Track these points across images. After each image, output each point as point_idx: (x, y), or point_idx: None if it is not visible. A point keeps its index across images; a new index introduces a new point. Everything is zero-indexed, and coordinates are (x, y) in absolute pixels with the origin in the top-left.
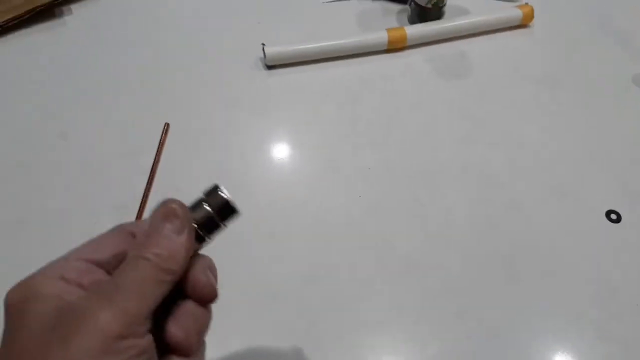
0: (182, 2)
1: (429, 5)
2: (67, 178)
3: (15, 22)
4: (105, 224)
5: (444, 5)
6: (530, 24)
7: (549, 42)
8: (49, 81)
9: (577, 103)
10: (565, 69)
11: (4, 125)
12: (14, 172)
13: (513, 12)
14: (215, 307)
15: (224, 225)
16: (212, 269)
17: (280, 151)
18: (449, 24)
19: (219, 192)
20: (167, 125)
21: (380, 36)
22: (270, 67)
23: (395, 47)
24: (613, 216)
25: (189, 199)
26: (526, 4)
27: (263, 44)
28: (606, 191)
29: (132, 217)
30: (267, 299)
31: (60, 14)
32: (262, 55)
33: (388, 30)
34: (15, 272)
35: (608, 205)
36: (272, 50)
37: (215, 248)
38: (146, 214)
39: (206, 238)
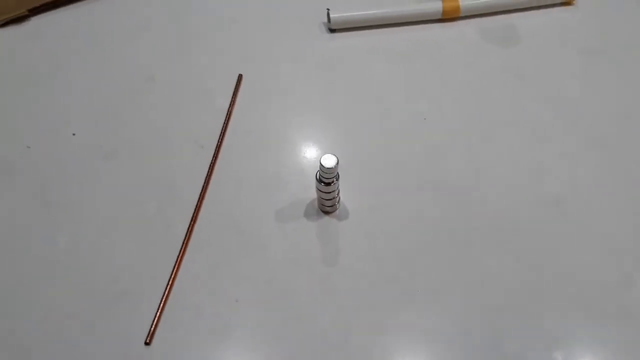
0: None
1: None
2: (154, 116)
3: None
4: (187, 157)
5: None
6: (574, 2)
7: (593, 17)
8: (141, 34)
9: (616, 70)
10: (608, 42)
11: (108, 69)
12: (109, 111)
13: None
14: None
15: None
16: None
17: (341, 103)
18: None
19: None
20: (240, 76)
21: (435, 6)
22: (332, 31)
23: (449, 16)
24: None
25: (259, 140)
26: None
27: (328, 9)
28: None
29: (210, 153)
30: None
31: None
32: (325, 20)
33: (443, 0)
34: (109, 197)
35: None
36: (336, 15)
37: None
38: (222, 151)
39: None
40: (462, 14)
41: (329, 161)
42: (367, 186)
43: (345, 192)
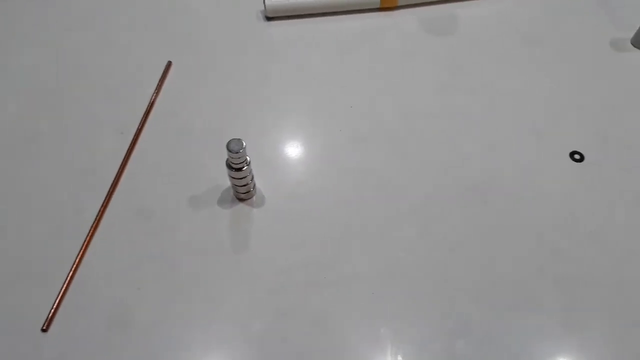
0: None
1: None
2: (79, 102)
3: None
4: (107, 143)
5: None
6: None
7: (535, 7)
8: (71, 25)
9: (555, 60)
10: (548, 31)
11: (43, 57)
12: (35, 95)
13: None
14: None
15: None
16: None
17: (274, 92)
18: None
19: None
20: (169, 63)
21: None
22: (269, 19)
23: (387, 5)
24: (577, 156)
25: (181, 127)
26: None
27: None
28: (573, 135)
29: (130, 139)
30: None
31: None
32: (262, 7)
33: None
34: (24, 178)
35: (573, 147)
36: (272, 2)
37: None
38: (142, 138)
39: None
40: (400, 4)
41: (235, 145)
42: (288, 174)
43: (265, 180)
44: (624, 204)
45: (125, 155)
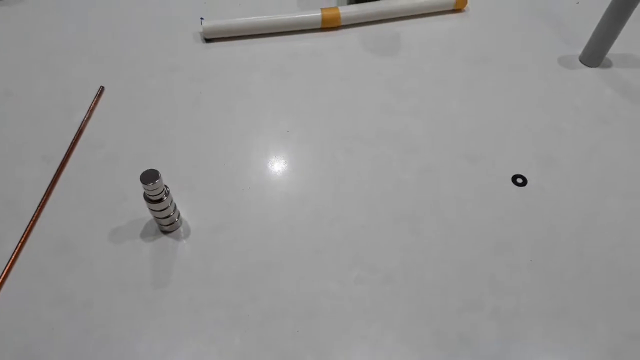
0: None
1: None
2: (5, 129)
3: None
4: (32, 171)
5: None
6: (465, 8)
7: (481, 25)
8: (3, 50)
9: (502, 81)
10: (495, 50)
11: None
12: None
13: None
14: None
15: None
16: None
17: (208, 116)
18: (383, 5)
19: None
20: (101, 87)
21: (314, 14)
22: (208, 40)
23: (329, 25)
24: (519, 180)
25: (110, 154)
26: None
27: (201, 18)
28: (515, 159)
29: (55, 167)
30: None
31: None
32: (200, 29)
33: (322, 9)
34: None
35: (515, 171)
36: (209, 24)
37: None
38: (69, 166)
39: None
40: (342, 23)
41: (148, 177)
42: (217, 204)
43: (192, 211)
44: (568, 228)
45: (50, 184)
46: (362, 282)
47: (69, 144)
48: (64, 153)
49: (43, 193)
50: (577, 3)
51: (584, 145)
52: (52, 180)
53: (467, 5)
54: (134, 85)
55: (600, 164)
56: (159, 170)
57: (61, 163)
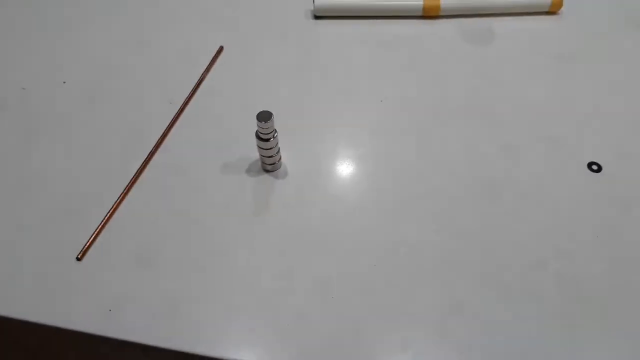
0: None
1: None
2: (138, 73)
3: None
4: (157, 109)
5: None
6: (559, 11)
7: (574, 28)
8: (141, 6)
9: (589, 77)
10: (585, 54)
11: (109, 33)
12: (101, 64)
13: None
14: None
15: None
16: None
17: (311, 81)
18: (481, 1)
19: None
20: (221, 47)
21: (417, 2)
22: (317, 17)
23: (429, 14)
24: (594, 167)
25: (225, 103)
26: None
27: None
28: (595, 147)
29: (177, 108)
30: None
31: None
32: (312, 7)
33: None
34: (87, 132)
35: (592, 158)
36: (320, 1)
37: None
38: (188, 109)
39: None
40: (442, 13)
41: (264, 116)
42: (313, 154)
43: (292, 156)
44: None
45: (172, 121)
46: (428, 240)
47: (191, 90)
48: (186, 96)
49: (165, 126)
50: None
51: None
52: (174, 117)
53: (562, 8)
54: (249, 48)
55: None
56: None
57: (183, 103)
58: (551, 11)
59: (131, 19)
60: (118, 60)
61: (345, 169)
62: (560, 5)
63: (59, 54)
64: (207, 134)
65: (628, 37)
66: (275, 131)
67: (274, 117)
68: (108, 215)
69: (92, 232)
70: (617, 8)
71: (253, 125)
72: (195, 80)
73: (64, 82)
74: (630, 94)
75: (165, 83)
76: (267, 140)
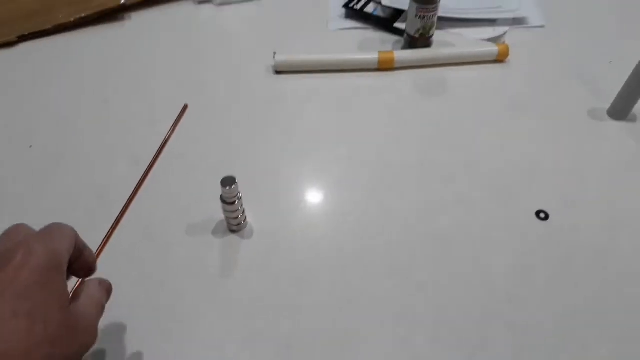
0: (219, 23)
1: (417, 35)
2: (103, 133)
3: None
4: (122, 170)
5: (431, 35)
6: (506, 60)
7: (520, 76)
8: (105, 67)
9: (534, 127)
10: (530, 99)
11: (74, 93)
12: (66, 125)
13: (490, 48)
14: None
15: None
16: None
17: (280, 140)
18: (433, 53)
19: None
20: (185, 105)
21: (372, 56)
22: (278, 73)
23: (384, 67)
24: (542, 215)
25: (191, 162)
26: (504, 43)
27: (274, 52)
28: (540, 195)
29: (143, 169)
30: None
31: (122, 19)
32: (273, 62)
33: (379, 52)
34: (51, 194)
35: (539, 207)
36: (280, 57)
37: None
38: (154, 169)
39: None
40: (396, 66)
41: (228, 181)
42: (277, 212)
43: (257, 216)
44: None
45: (138, 183)
46: (390, 291)
47: (156, 150)
48: (152, 157)
49: (132, 189)
50: (610, 62)
51: (605, 190)
52: (140, 180)
53: (509, 57)
54: (213, 105)
55: (618, 208)
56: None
57: (149, 164)
58: (499, 60)
59: (95, 79)
60: (83, 121)
61: (308, 225)
62: (506, 54)
63: (24, 116)
64: (173, 195)
65: (569, 84)
66: (240, 193)
67: (238, 180)
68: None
69: None
70: (560, 54)
71: (218, 185)
72: (161, 140)
73: (30, 146)
74: (574, 144)
75: (131, 144)
76: (232, 203)
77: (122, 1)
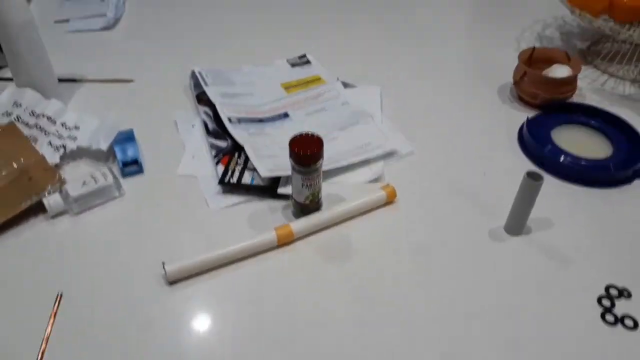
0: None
1: (307, 202)
2: None
3: None
4: None
5: (320, 198)
6: (395, 200)
7: (413, 213)
8: None
9: (441, 263)
10: (429, 233)
11: None
12: None
13: (378, 194)
14: None
15: None
16: None
17: None
18: (327, 214)
19: None
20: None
21: (270, 236)
22: (172, 283)
23: (284, 242)
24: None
25: None
26: (387, 184)
27: (163, 262)
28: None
29: None
30: None
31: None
32: (163, 272)
33: (276, 228)
34: None
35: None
36: (171, 267)
37: None
38: None
39: None
40: (296, 237)
41: None
42: None
43: None
44: None
45: None
46: None
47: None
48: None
49: None
50: (484, 174)
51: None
52: None
53: (396, 197)
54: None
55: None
56: None
57: None
58: (389, 201)
59: None
60: None
61: None
62: (394, 194)
63: None
64: None
65: (461, 208)
66: None
67: None
68: None
69: None
70: (438, 173)
71: None
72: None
73: None
74: (478, 270)
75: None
76: None
77: None
